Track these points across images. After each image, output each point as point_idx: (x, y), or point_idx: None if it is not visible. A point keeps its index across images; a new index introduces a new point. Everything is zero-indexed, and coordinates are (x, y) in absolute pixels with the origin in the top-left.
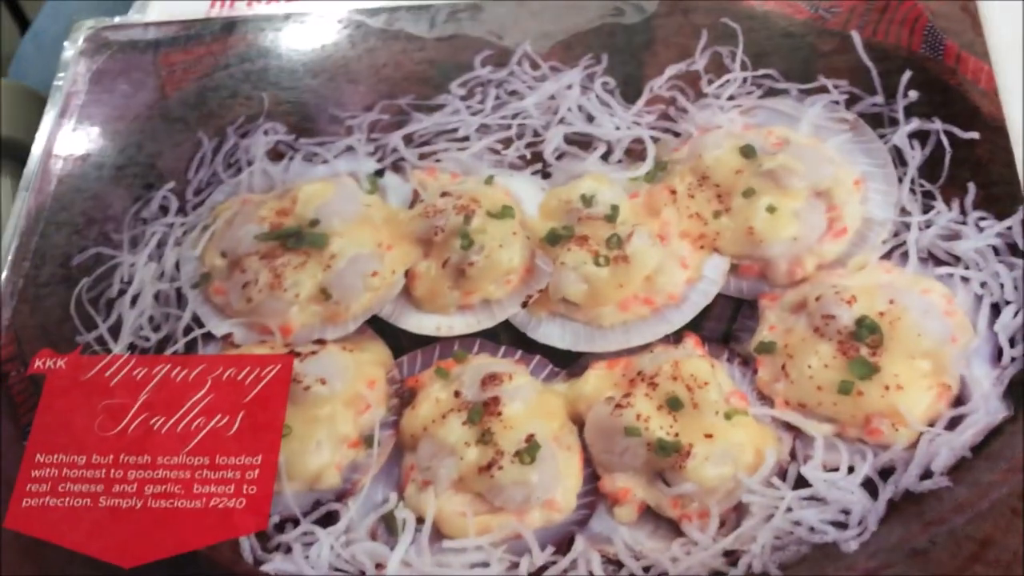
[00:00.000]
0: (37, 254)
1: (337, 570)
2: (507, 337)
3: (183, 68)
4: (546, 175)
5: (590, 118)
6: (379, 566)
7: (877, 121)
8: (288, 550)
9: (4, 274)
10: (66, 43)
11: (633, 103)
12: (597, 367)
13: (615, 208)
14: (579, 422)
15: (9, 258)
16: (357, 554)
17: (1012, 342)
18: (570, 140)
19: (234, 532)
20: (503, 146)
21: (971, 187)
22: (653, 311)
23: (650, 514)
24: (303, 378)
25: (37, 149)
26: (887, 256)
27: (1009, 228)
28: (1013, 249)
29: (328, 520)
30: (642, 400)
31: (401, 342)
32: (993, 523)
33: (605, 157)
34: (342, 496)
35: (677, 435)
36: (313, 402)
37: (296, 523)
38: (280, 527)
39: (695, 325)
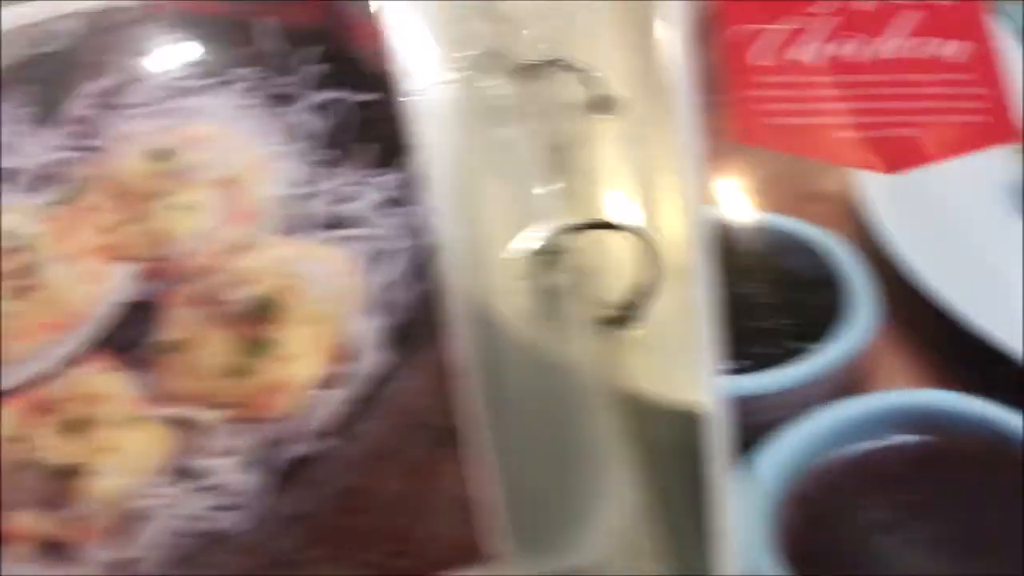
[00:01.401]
0: None
1: None
2: None
3: None
4: None
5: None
6: None
7: (286, 100)
8: None
9: None
10: None
11: (52, 127)
12: (5, 406)
13: (29, 238)
14: None
15: None
16: None
17: (393, 292)
18: None
19: None
20: None
21: (368, 148)
22: (66, 333)
23: (51, 544)
24: None
25: None
26: (292, 232)
27: (395, 182)
28: (396, 202)
29: None
30: (41, 430)
31: None
32: (374, 470)
33: (24, 187)
34: None
35: (76, 456)
36: None
37: None
38: None
39: (104, 338)
